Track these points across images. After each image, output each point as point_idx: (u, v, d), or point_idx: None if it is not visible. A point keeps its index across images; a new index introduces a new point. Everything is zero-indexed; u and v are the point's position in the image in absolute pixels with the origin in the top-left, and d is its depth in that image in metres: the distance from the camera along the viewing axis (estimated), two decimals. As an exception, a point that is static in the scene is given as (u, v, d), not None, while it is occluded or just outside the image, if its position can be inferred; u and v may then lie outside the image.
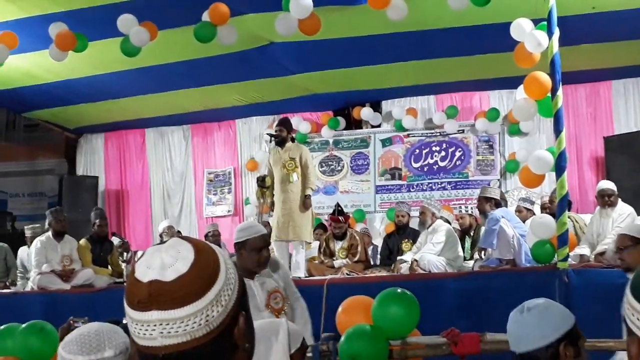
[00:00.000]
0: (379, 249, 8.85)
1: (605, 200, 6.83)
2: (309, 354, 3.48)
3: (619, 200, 6.88)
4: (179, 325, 1.06)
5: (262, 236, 3.88)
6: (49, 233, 7.87)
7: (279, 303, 3.93)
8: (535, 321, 2.11)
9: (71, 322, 3.55)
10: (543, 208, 7.78)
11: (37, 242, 7.84)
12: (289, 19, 6.70)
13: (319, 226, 9.28)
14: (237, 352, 1.16)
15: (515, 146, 10.40)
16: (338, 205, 8.36)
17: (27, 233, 8.92)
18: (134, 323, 1.09)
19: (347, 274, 7.34)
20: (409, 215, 8.49)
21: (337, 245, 8.05)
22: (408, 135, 10.89)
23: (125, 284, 1.15)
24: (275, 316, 3.80)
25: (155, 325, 1.07)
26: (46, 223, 8.00)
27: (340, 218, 8.05)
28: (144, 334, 1.08)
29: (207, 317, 1.08)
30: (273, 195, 7.57)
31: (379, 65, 9.32)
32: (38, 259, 7.68)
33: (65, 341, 1.92)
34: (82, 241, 8.22)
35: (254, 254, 3.84)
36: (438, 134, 10.75)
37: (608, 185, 6.97)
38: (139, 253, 8.06)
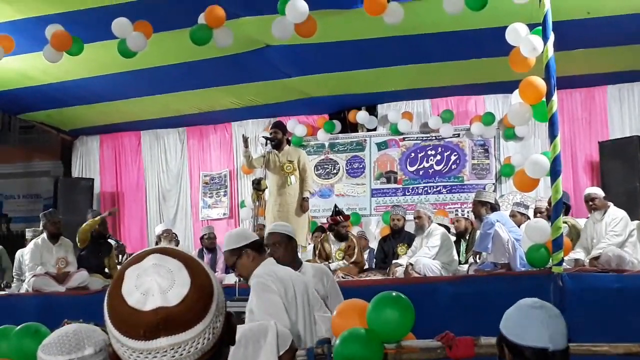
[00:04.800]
0: (375, 253, 8.86)
1: (589, 205, 7.14)
2: (304, 357, 3.48)
3: (612, 205, 6.96)
4: (191, 345, 1.05)
5: (268, 234, 4.28)
6: (44, 235, 7.85)
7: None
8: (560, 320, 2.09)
9: (65, 324, 3.53)
10: (539, 212, 7.78)
11: (32, 244, 7.83)
12: (285, 23, 6.71)
13: (318, 229, 9.28)
14: (228, 348, 1.17)
15: (510, 150, 10.42)
16: (336, 206, 8.35)
17: (28, 235, 8.90)
18: (137, 352, 1.04)
19: (342, 277, 7.33)
20: (404, 218, 8.50)
21: (336, 247, 8.03)
22: (404, 139, 10.89)
23: (112, 313, 1.05)
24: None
25: (165, 352, 1.04)
26: (40, 225, 7.98)
27: (339, 218, 8.03)
28: None
29: (213, 330, 1.08)
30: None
31: (374, 69, 9.33)
32: (33, 262, 7.66)
33: (43, 344, 1.90)
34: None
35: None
36: (433, 137, 10.75)
37: (590, 190, 7.35)
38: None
